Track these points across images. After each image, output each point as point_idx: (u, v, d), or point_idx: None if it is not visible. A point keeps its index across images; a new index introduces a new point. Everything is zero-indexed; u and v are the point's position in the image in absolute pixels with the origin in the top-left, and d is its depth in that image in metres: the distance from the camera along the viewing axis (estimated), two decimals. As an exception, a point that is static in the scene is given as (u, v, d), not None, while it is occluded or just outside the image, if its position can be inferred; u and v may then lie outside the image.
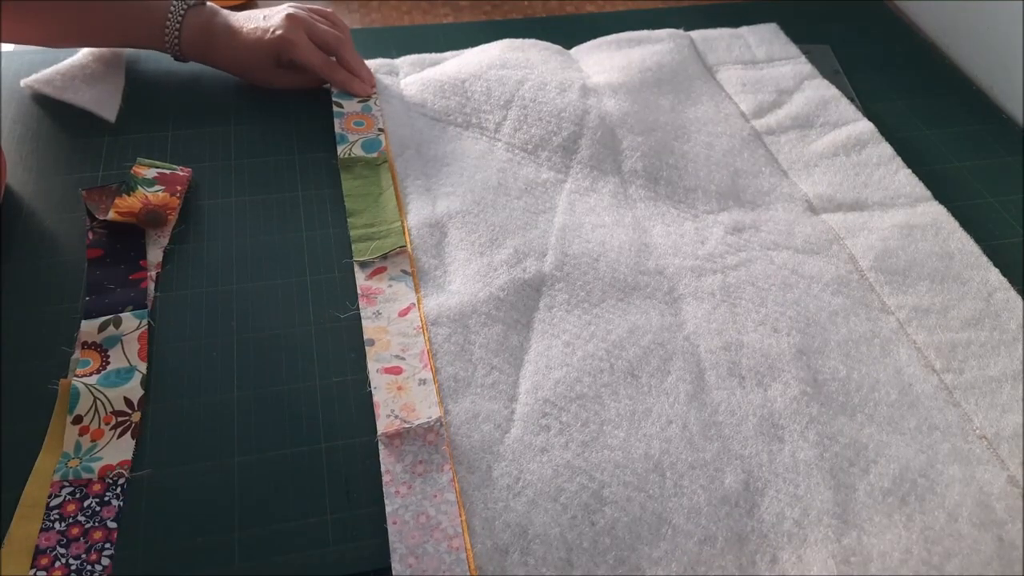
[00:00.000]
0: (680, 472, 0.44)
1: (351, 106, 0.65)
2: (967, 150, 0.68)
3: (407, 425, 0.45)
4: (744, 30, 0.78)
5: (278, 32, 0.62)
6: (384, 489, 0.43)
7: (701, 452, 0.45)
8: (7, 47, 0.70)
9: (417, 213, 0.58)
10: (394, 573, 0.39)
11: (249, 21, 0.64)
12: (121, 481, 0.43)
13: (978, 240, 0.58)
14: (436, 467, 0.44)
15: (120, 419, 0.45)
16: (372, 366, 0.48)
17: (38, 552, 0.40)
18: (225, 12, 0.65)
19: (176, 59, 0.65)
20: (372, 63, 0.69)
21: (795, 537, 0.42)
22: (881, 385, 0.49)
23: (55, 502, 0.42)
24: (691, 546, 0.41)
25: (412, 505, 0.42)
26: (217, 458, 0.44)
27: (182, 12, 0.62)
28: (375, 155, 0.61)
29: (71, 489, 0.42)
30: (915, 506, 0.43)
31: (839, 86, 0.71)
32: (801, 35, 0.78)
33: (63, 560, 0.40)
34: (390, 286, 0.53)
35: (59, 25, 0.62)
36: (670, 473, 0.44)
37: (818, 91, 0.70)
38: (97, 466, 0.43)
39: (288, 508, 0.43)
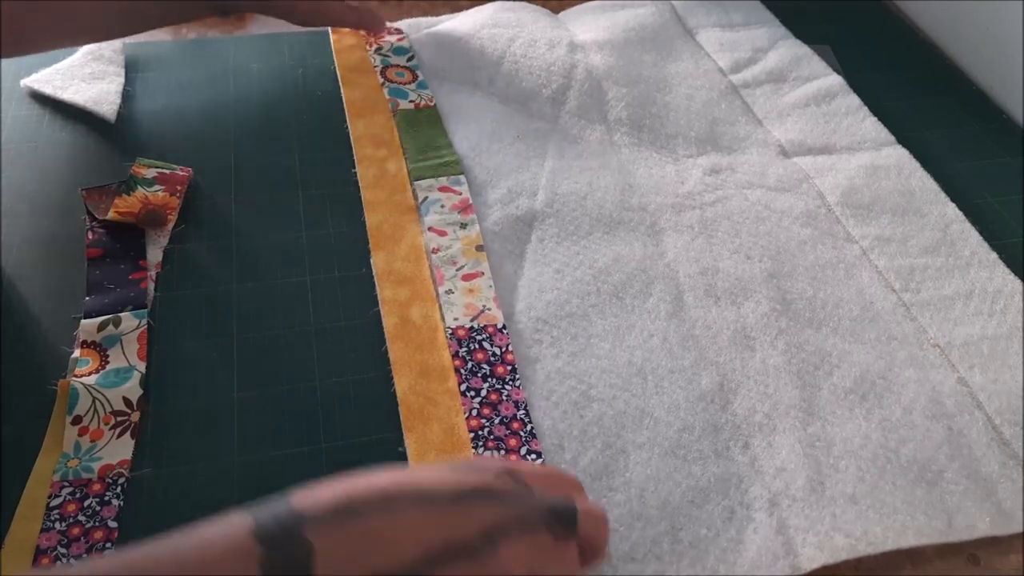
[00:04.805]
0: (660, 376, 0.49)
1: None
2: (967, 150, 0.67)
3: (412, 335, 0.49)
4: (725, 3, 0.81)
5: None
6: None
7: (680, 359, 0.50)
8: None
9: (416, 158, 0.62)
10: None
11: None
12: (121, 481, 0.42)
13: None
14: (439, 371, 0.48)
15: (119, 419, 0.44)
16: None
17: (38, 552, 0.39)
18: None
19: (222, 15, 0.66)
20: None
21: (765, 427, 0.46)
22: (844, 303, 0.54)
23: (55, 502, 0.41)
24: (671, 433, 0.46)
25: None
26: (217, 458, 0.44)
27: None
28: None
29: (71, 489, 0.42)
30: (874, 402, 0.48)
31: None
32: (801, 35, 0.77)
33: (64, 560, 0.39)
34: (393, 219, 0.57)
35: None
36: (651, 376, 0.49)
37: (791, 49, 0.74)
38: (97, 466, 0.43)
39: None
